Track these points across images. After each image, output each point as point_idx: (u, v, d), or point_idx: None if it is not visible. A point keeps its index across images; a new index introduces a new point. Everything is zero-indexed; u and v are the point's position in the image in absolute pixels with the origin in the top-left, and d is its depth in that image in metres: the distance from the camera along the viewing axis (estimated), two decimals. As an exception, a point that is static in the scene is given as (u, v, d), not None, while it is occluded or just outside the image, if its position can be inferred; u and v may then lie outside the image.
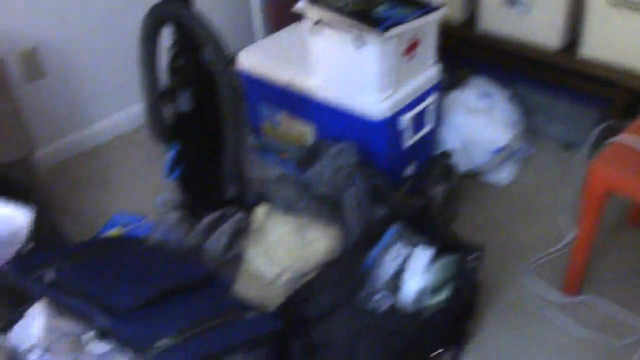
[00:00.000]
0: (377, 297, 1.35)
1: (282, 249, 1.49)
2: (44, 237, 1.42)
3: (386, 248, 1.38)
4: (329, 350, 1.25)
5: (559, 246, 1.66)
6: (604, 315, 1.48)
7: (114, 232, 1.66)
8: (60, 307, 1.15)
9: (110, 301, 1.13)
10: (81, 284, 1.17)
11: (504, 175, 1.92)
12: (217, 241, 1.43)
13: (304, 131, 1.82)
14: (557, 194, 1.83)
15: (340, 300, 1.32)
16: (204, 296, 1.23)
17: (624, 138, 1.39)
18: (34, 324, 1.25)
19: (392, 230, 1.39)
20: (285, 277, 1.46)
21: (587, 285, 1.54)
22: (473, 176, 1.91)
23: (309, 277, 1.44)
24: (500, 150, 1.86)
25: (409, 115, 1.67)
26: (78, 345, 1.12)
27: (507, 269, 1.61)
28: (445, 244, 1.42)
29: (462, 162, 1.87)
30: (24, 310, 1.29)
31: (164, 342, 1.05)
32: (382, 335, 1.25)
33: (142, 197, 1.87)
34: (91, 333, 1.12)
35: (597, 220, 1.41)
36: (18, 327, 1.27)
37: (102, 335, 1.11)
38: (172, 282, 1.22)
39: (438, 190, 1.61)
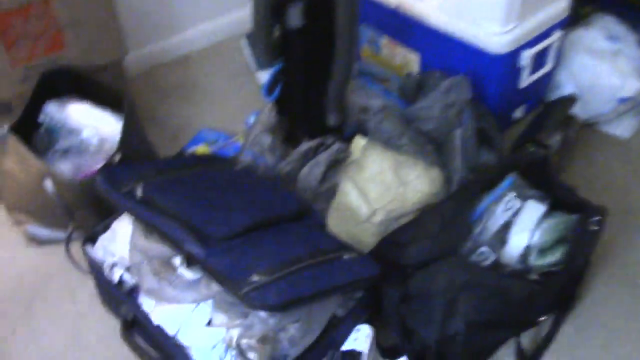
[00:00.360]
0: (481, 250, 1.24)
1: (378, 186, 1.38)
2: (133, 147, 1.36)
3: (498, 200, 1.25)
4: (426, 302, 1.15)
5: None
6: None
7: (200, 148, 1.58)
8: (148, 226, 1.08)
9: (202, 227, 1.05)
10: (172, 205, 1.09)
11: (624, 127, 1.73)
12: (312, 171, 1.33)
13: (408, 59, 1.67)
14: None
15: (441, 251, 1.21)
16: (299, 231, 1.14)
17: None
18: (118, 239, 1.20)
19: (508, 180, 1.25)
20: (379, 217, 1.36)
21: None
22: (589, 126, 1.73)
23: (406, 220, 1.34)
24: (624, 100, 1.66)
25: (531, 51, 1.50)
26: (165, 269, 1.06)
27: (620, 230, 1.45)
28: (561, 200, 1.28)
29: (578, 110, 1.69)
30: (110, 223, 1.24)
31: (258, 278, 0.97)
32: (486, 293, 1.14)
33: (232, 113, 1.77)
34: (179, 258, 1.05)
35: None
36: (103, 240, 1.22)
37: (190, 262, 1.04)
38: (267, 212, 1.13)
39: (555, 139, 1.45)
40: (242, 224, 1.07)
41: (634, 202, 1.53)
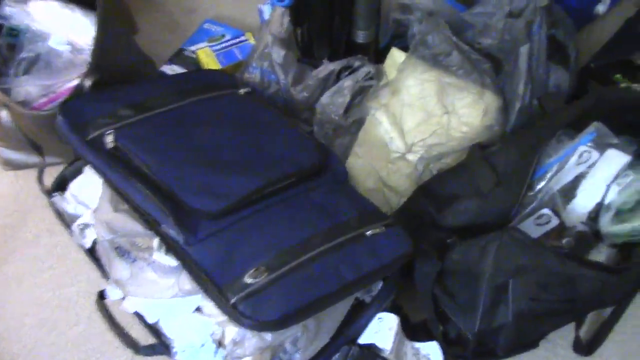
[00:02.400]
0: (541, 213, 0.99)
1: (417, 115, 1.11)
2: (115, 63, 1.08)
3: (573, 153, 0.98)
4: (467, 284, 0.93)
5: None
6: None
7: (200, 49, 1.29)
8: (118, 192, 0.85)
9: (187, 198, 0.81)
10: (150, 162, 0.85)
11: None
12: (334, 100, 1.05)
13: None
14: None
15: (493, 214, 0.96)
16: (314, 196, 0.89)
17: None
18: (92, 186, 0.98)
19: (589, 136, 0.97)
20: (416, 153, 1.10)
21: None
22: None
23: (450, 160, 1.08)
24: None
25: None
26: (139, 248, 0.84)
27: None
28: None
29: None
30: (82, 166, 1.01)
31: (253, 279, 0.75)
32: (544, 281, 0.90)
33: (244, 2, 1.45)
34: (157, 240, 0.82)
35: None
36: (74, 187, 1.00)
37: (168, 248, 0.81)
38: (275, 172, 0.87)
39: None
40: (241, 193, 0.83)
41: None
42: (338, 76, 1.06)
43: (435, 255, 0.95)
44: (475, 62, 1.10)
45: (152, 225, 0.81)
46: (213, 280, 0.75)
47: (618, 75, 1.05)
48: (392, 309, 0.95)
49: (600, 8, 1.35)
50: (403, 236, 0.90)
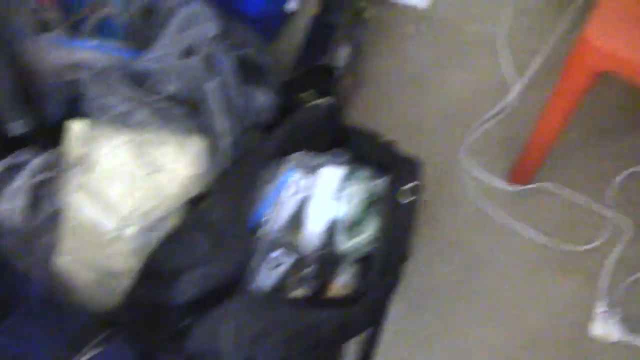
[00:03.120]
0: (272, 257, 0.93)
1: (120, 184, 0.99)
2: None
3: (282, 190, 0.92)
4: (213, 364, 0.85)
5: (501, 105, 1.24)
6: (563, 211, 1.15)
7: None
8: None
9: None
10: None
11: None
12: (10, 204, 0.89)
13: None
14: (496, 21, 1.36)
15: (222, 277, 0.88)
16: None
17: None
18: None
19: (294, 168, 0.92)
20: (133, 227, 0.98)
21: (543, 171, 1.17)
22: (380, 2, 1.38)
23: (173, 221, 0.98)
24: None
25: None
26: None
27: (432, 139, 1.19)
28: (366, 155, 0.98)
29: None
30: None
31: None
32: (291, 335, 0.85)
33: None
34: None
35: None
36: None
37: None
38: None
39: (344, 51, 1.10)
40: None
41: (443, 98, 1.26)
42: (6, 179, 0.90)
43: (173, 346, 0.85)
44: (165, 111, 1.00)
45: None
46: None
47: (306, 94, 1.01)
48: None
49: (293, 4, 1.30)
50: (124, 348, 0.79)
